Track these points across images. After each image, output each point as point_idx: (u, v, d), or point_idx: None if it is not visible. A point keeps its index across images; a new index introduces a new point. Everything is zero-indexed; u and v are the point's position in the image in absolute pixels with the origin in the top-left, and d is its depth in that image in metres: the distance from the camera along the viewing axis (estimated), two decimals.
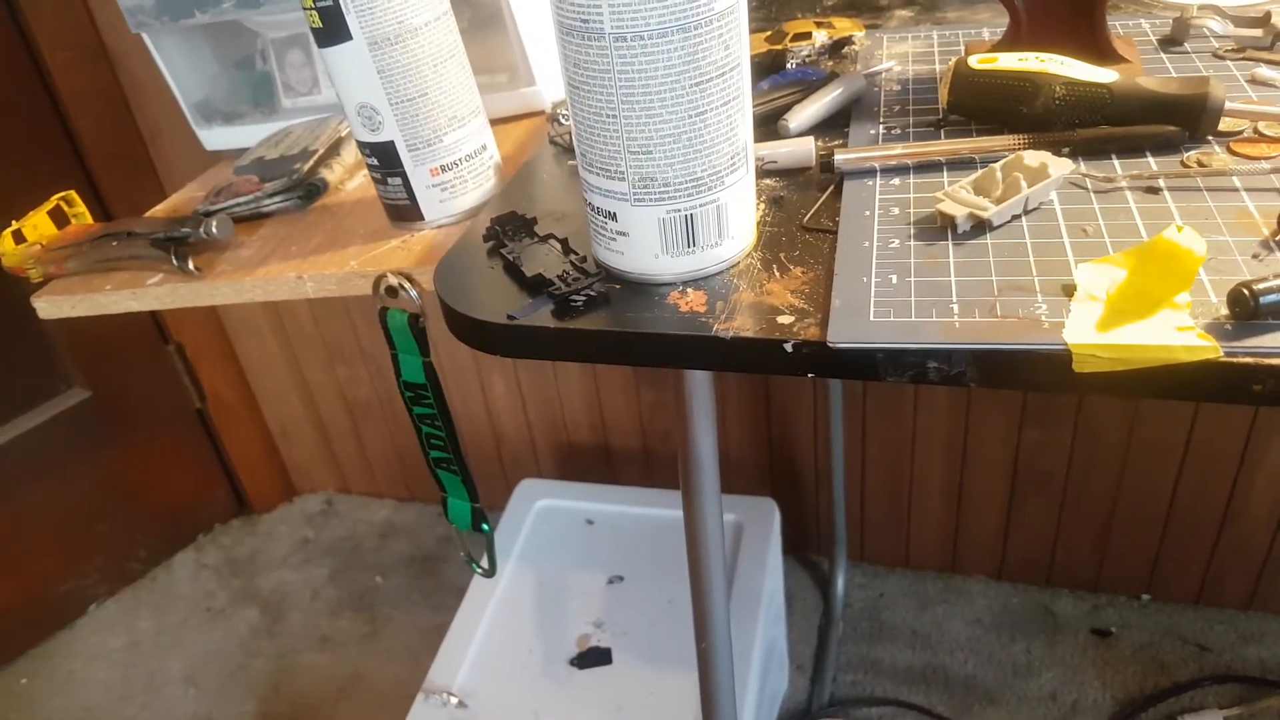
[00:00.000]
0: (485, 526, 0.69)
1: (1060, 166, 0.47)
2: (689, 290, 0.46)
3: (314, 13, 0.54)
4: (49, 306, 0.69)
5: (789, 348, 0.42)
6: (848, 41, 0.67)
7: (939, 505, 1.25)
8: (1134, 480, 1.14)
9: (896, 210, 0.49)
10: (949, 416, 1.17)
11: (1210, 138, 0.51)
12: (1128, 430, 1.10)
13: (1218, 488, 1.11)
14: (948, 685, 1.16)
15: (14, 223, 0.74)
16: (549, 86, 0.72)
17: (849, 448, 1.23)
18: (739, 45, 0.42)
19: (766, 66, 0.65)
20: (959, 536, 1.27)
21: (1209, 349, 0.36)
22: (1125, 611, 1.22)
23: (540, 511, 1.15)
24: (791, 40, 0.65)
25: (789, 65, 0.64)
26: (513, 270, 0.51)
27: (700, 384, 0.51)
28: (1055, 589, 1.26)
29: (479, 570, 0.75)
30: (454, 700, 0.92)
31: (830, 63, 0.66)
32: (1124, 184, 0.48)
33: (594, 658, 0.96)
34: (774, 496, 1.13)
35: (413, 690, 1.26)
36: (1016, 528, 1.23)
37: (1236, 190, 0.46)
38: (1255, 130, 0.51)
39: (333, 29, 0.54)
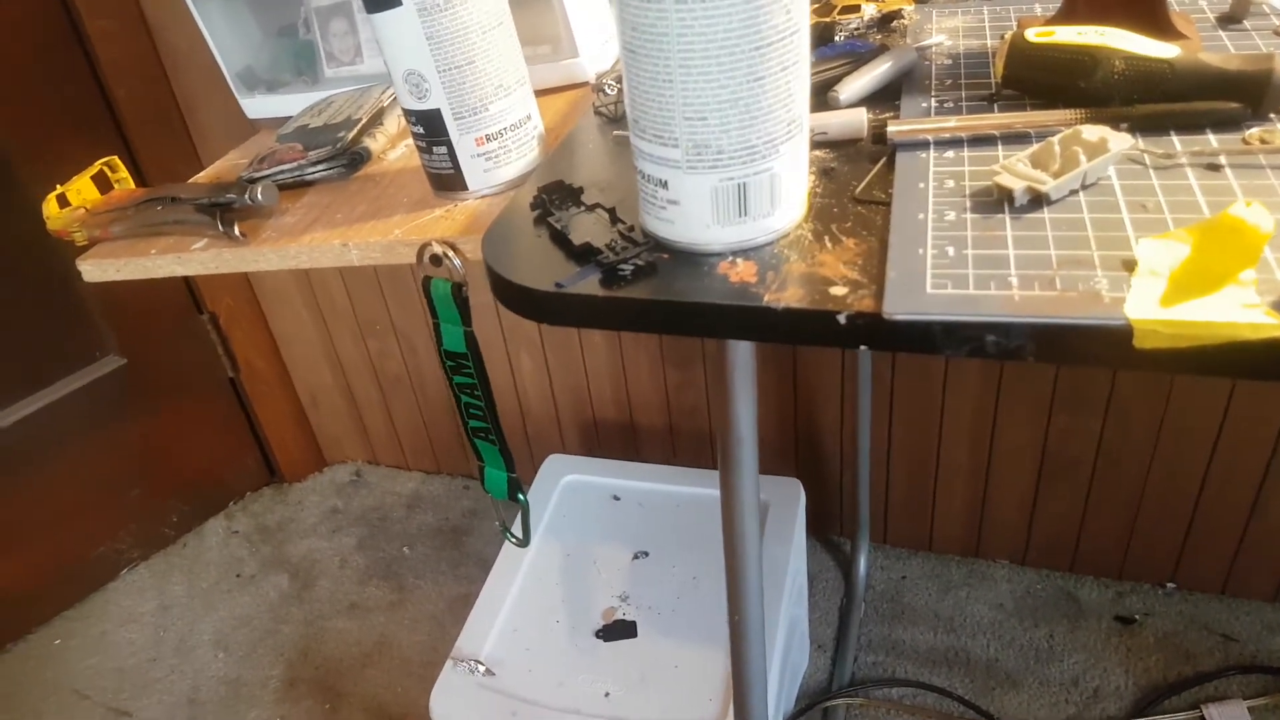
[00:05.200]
0: (521, 496, 0.69)
1: (1120, 141, 0.46)
2: (739, 261, 0.46)
3: None
4: (94, 269, 0.70)
5: (842, 319, 0.41)
6: (897, 15, 0.66)
7: (964, 489, 1.25)
8: (1163, 468, 1.13)
9: (951, 183, 0.48)
10: (977, 400, 1.16)
11: (1273, 115, 0.50)
12: (1159, 418, 1.09)
13: (1247, 479, 1.10)
14: (969, 668, 1.16)
15: (58, 187, 0.74)
16: (592, 58, 0.72)
17: (875, 429, 1.23)
18: (799, 10, 0.42)
19: (814, 38, 0.64)
20: (983, 521, 1.27)
21: (1275, 326, 0.36)
22: (1149, 600, 1.21)
23: (567, 486, 1.16)
24: (840, 13, 0.64)
25: (837, 37, 0.63)
26: (560, 239, 0.51)
27: (743, 356, 0.51)
28: (1079, 575, 1.26)
29: (512, 539, 0.75)
30: (482, 668, 0.93)
31: (879, 36, 0.65)
32: (1184, 160, 0.47)
33: (619, 630, 0.97)
34: (798, 477, 1.13)
35: (437, 657, 1.28)
36: (1042, 513, 1.23)
37: None
38: None
39: None
